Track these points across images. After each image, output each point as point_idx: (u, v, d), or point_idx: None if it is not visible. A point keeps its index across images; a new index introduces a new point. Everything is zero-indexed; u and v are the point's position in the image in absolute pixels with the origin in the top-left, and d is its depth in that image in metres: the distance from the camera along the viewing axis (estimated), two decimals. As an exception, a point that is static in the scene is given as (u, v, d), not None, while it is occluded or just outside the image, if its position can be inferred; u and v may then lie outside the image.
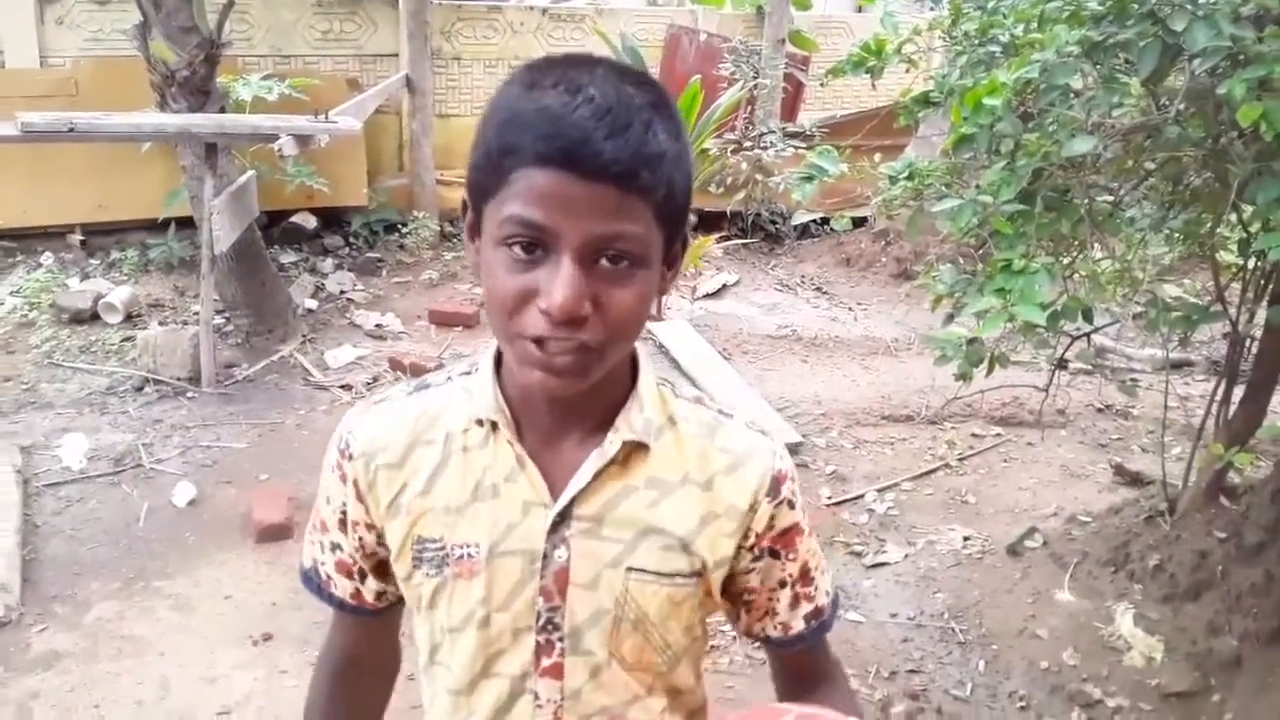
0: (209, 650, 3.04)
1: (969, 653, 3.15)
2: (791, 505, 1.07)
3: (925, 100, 2.37)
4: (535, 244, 0.88)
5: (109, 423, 4.50)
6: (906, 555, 3.70)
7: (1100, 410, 5.00)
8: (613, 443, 1.00)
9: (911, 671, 3.07)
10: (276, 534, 3.62)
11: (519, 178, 0.87)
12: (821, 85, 3.16)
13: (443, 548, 1.02)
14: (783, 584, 1.10)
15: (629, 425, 1.01)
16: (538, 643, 1.02)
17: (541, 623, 1.02)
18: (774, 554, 1.07)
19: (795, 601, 1.11)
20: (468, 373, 1.07)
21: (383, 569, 1.10)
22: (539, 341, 0.89)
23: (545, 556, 1.00)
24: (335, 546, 1.11)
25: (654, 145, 0.87)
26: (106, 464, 4.13)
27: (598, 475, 1.00)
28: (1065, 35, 1.94)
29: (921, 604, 3.40)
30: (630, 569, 1.01)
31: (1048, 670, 3.04)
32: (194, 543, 3.62)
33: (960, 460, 4.47)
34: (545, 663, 1.03)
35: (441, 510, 1.02)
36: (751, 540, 1.05)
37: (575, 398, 0.97)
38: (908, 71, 2.62)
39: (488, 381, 1.02)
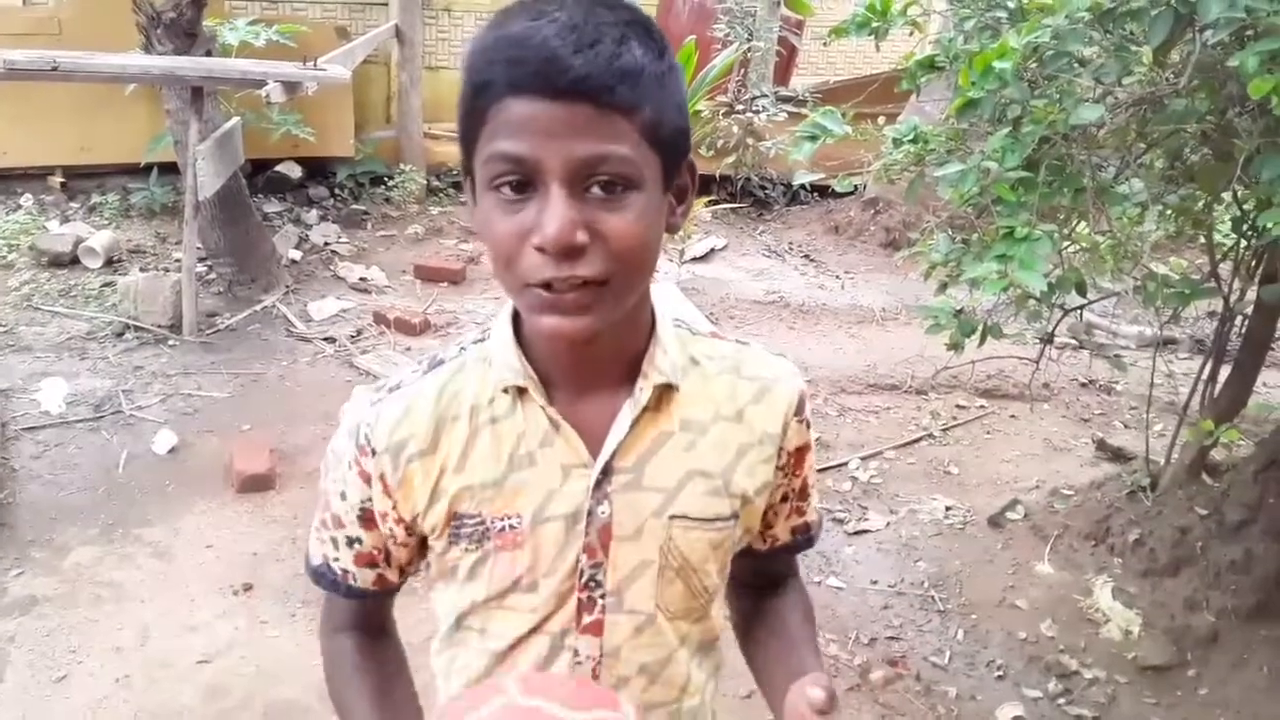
0: (189, 598, 3.02)
1: (948, 621, 3.17)
2: (809, 425, 1.08)
3: (930, 64, 2.34)
4: (523, 182, 0.84)
5: (89, 368, 4.45)
6: (888, 524, 3.71)
7: (1084, 385, 5.01)
8: (643, 389, 0.98)
9: (891, 638, 3.08)
10: (258, 485, 3.59)
11: (495, 112, 0.84)
12: (824, 45, 3.13)
13: (482, 522, 0.99)
14: (785, 499, 1.11)
15: (656, 369, 0.99)
16: (579, 600, 1.00)
17: (584, 580, 1.00)
18: (786, 470, 1.08)
19: (789, 515, 1.13)
20: (480, 340, 1.03)
21: (411, 549, 1.06)
22: (546, 286, 0.86)
23: (589, 514, 0.98)
24: (353, 541, 1.05)
25: (628, 60, 0.83)
26: (86, 409, 4.08)
27: (633, 425, 0.98)
28: (1077, 1, 1.91)
29: (902, 572, 3.42)
30: (673, 516, 1.00)
31: (1026, 640, 3.06)
32: (174, 491, 3.59)
33: (944, 431, 4.48)
34: (586, 620, 1.01)
35: (478, 486, 0.98)
36: (782, 460, 1.06)
37: (599, 348, 0.94)
38: (911, 35, 2.59)
39: (509, 346, 0.98)
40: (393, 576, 1.08)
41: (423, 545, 1.05)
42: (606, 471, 0.98)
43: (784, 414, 1.05)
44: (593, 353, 0.95)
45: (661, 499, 0.99)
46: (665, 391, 1.00)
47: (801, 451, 1.08)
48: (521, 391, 0.98)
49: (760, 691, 1.14)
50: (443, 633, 1.09)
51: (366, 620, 1.13)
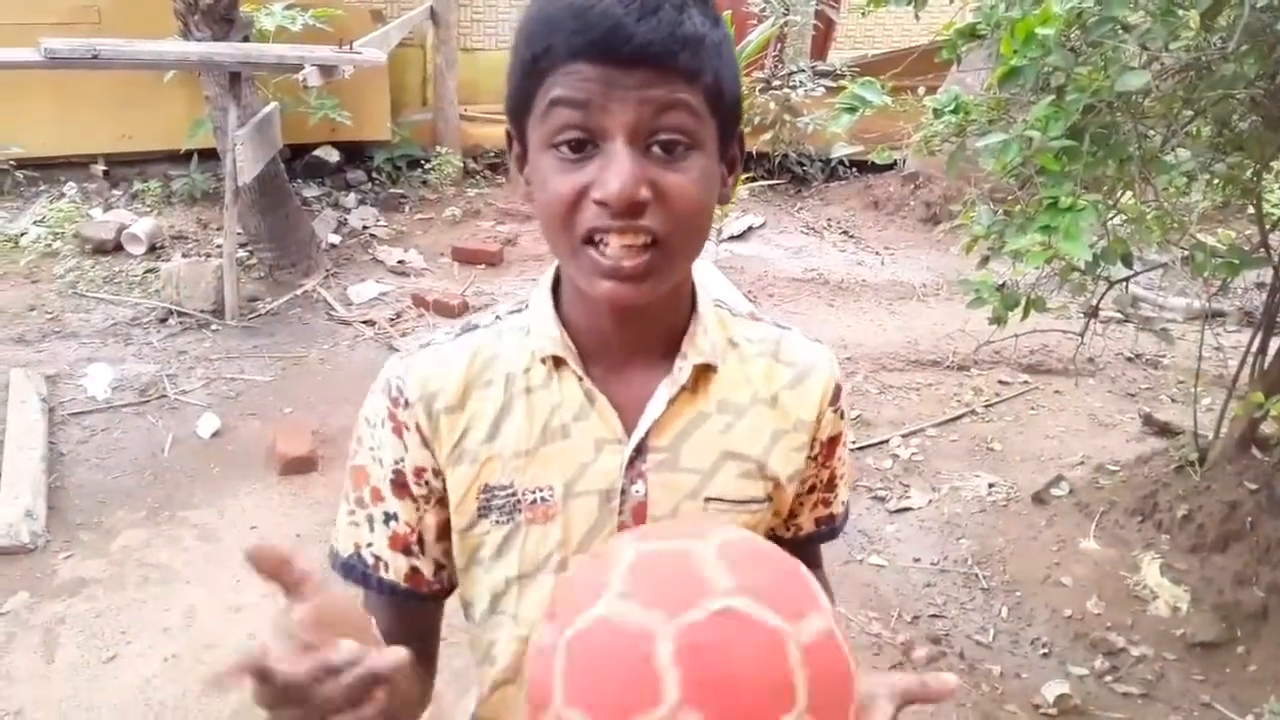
0: (235, 580, 3.06)
1: (992, 599, 3.14)
2: (843, 415, 1.07)
3: (971, 32, 2.29)
4: (582, 141, 0.84)
5: (133, 353, 4.51)
6: (931, 501, 3.67)
7: (1130, 359, 4.94)
8: (682, 369, 0.97)
9: (934, 616, 3.05)
10: (300, 467, 3.62)
11: (555, 75, 0.84)
12: (862, 16, 3.08)
13: (514, 494, 0.97)
14: (812, 489, 1.09)
15: (696, 349, 0.98)
16: None
17: None
18: (817, 460, 1.07)
19: (814, 505, 1.11)
20: (516, 311, 1.02)
21: (447, 529, 1.02)
22: (601, 243, 0.85)
23: (623, 493, 0.96)
24: (390, 518, 1.00)
25: (689, 27, 0.83)
26: (131, 394, 4.14)
27: (670, 404, 0.97)
28: (1121, -35, 1.87)
29: (945, 549, 3.38)
30: (708, 499, 0.98)
31: (1071, 618, 3.02)
32: (219, 474, 3.63)
33: (987, 407, 4.42)
34: None
35: (510, 455, 0.97)
36: (814, 450, 1.05)
37: (642, 321, 0.94)
38: (950, 3, 2.55)
39: (548, 316, 0.98)
40: (426, 571, 1.02)
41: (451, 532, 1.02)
42: (640, 450, 0.96)
43: (819, 402, 1.03)
44: (636, 325, 0.95)
45: (697, 481, 0.98)
46: (704, 372, 0.99)
47: (834, 442, 1.07)
48: (559, 363, 0.97)
49: None
50: (478, 617, 1.05)
51: (400, 632, 0.98)
